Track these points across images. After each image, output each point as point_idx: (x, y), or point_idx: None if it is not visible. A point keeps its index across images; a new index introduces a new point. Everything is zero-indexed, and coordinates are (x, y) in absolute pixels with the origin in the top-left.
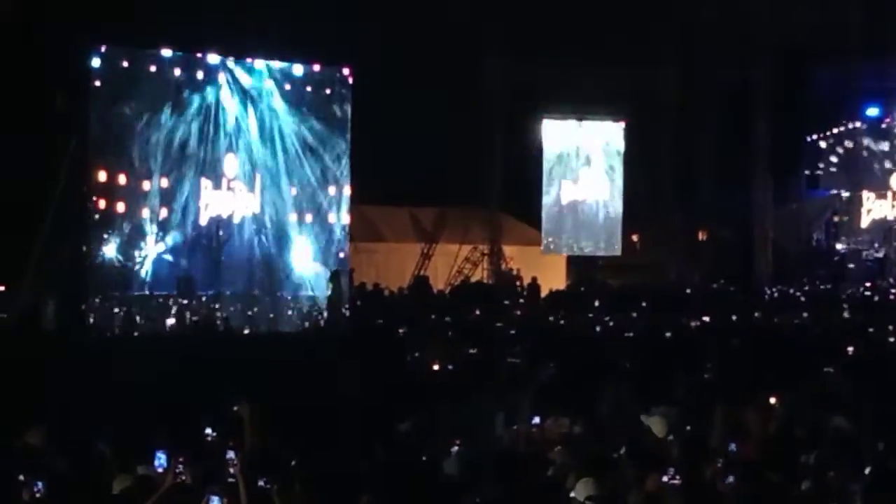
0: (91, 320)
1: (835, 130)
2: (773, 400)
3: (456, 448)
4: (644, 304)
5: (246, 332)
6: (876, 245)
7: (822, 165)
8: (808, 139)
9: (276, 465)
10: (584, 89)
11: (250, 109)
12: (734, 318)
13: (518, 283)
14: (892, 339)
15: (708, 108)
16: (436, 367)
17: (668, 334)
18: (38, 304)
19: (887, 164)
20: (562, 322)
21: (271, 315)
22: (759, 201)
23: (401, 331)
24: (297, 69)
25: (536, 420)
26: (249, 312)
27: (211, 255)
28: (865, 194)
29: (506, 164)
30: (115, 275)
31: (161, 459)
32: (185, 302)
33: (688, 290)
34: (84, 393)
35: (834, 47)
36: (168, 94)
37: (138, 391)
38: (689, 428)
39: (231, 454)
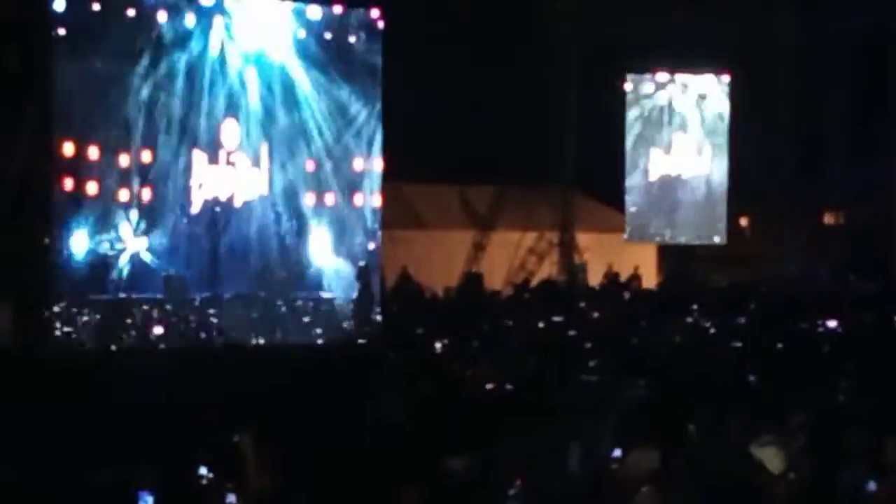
0: (56, 332)
1: None
2: None
3: (518, 488)
4: (754, 306)
5: (250, 344)
6: None
7: None
8: None
9: None
10: (678, 34)
11: (254, 63)
12: (872, 323)
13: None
14: None
15: (838, 57)
16: (491, 387)
17: (785, 344)
18: None
19: None
20: (652, 330)
21: (282, 323)
22: None
23: (444, 342)
24: (314, 11)
25: (618, 453)
26: (254, 320)
27: (206, 249)
28: None
29: (579, 130)
30: (85, 274)
31: (147, 502)
32: (175, 308)
33: (812, 289)
34: (51, 423)
35: None
36: (151, 45)
37: (117, 420)
38: (813, 463)
39: (231, 498)
